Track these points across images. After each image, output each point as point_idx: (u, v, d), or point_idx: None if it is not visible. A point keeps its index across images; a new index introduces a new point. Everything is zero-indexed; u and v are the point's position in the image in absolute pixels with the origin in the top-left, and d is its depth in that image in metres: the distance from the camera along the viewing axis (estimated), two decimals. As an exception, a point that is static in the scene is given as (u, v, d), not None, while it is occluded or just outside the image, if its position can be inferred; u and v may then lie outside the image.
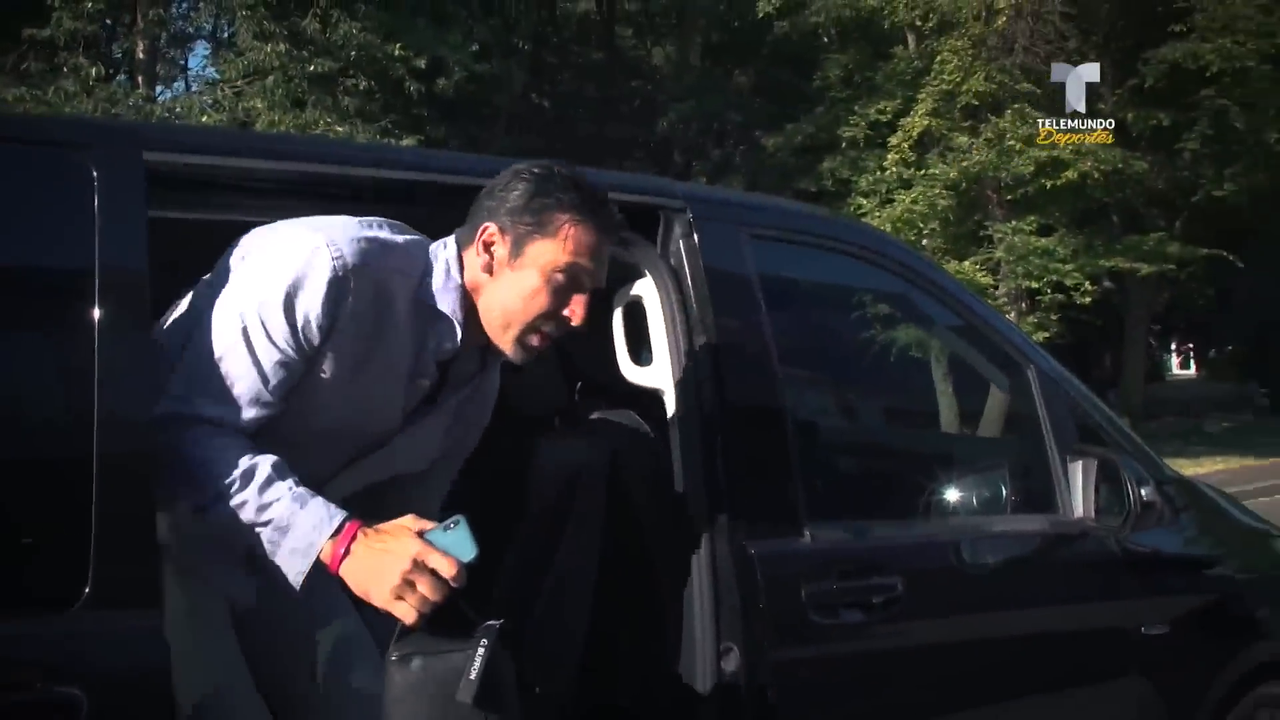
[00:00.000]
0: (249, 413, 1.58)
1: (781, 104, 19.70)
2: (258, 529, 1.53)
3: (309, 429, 1.67)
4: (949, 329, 2.77)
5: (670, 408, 2.14)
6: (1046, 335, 14.59)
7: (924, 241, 14.61)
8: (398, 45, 13.64)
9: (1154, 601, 2.63)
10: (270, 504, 1.52)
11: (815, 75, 18.33)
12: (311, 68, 13.41)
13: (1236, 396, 28.57)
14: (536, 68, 20.24)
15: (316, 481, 1.63)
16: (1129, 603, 2.59)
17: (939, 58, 14.54)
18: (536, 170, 1.72)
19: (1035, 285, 14.40)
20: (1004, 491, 2.48)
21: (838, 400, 3.10)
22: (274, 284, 1.58)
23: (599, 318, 1.99)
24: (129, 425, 1.50)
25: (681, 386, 2.11)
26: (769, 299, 2.21)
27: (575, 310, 1.69)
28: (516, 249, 1.68)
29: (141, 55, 15.49)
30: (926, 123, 14.39)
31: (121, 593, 1.48)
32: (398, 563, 1.48)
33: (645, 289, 2.18)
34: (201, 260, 1.70)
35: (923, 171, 14.45)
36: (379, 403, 1.72)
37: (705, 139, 21.70)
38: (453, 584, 1.49)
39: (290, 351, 1.59)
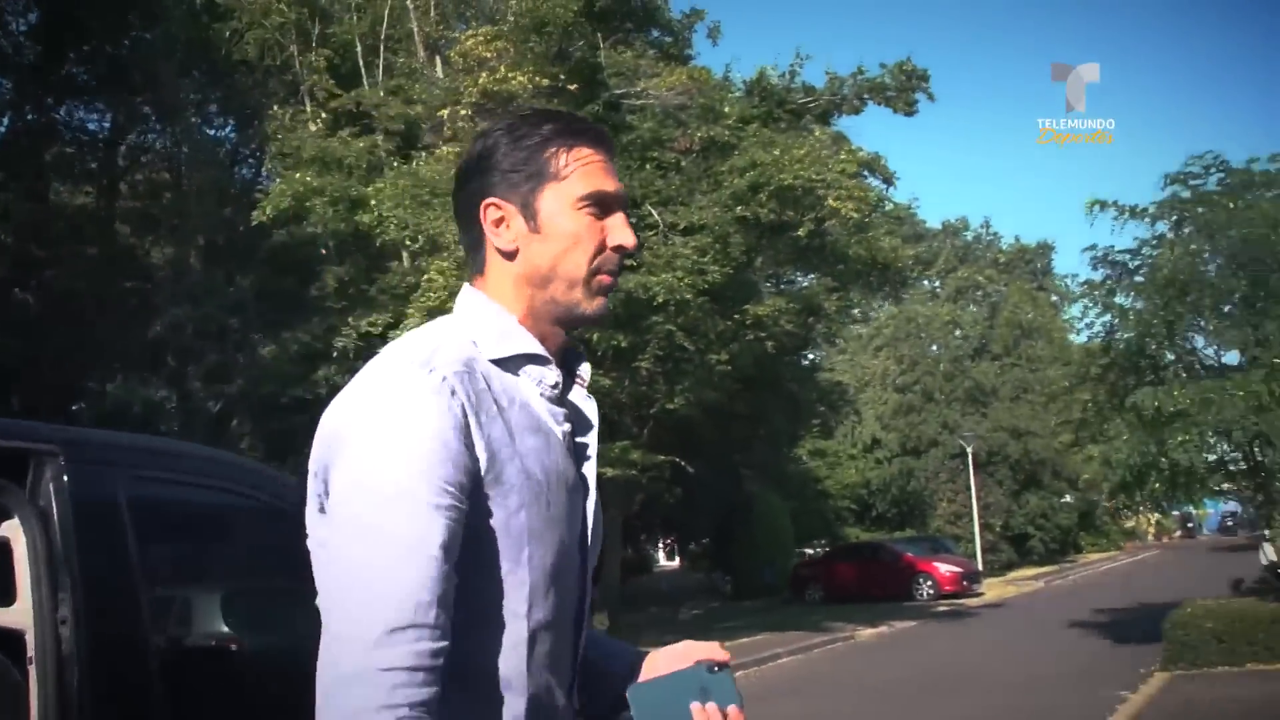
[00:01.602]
0: (442, 605, 1.26)
1: (281, 310, 19.75)
2: None
3: (553, 568, 1.42)
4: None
5: (30, 647, 2.21)
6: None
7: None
8: None
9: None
10: None
11: (314, 284, 18.67)
12: None
13: (707, 585, 31.62)
14: (22, 261, 18.79)
15: (573, 620, 1.48)
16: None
17: (427, 276, 15.37)
18: (499, 125, 1.52)
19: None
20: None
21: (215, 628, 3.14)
22: (384, 433, 1.29)
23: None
24: None
25: (41, 626, 2.19)
26: (142, 536, 2.37)
27: (622, 234, 1.48)
28: (529, 211, 1.46)
29: None
30: (415, 336, 15.04)
31: None
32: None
33: (11, 530, 2.27)
34: None
35: (413, 383, 14.99)
36: (559, 487, 1.44)
37: (204, 343, 21.15)
38: None
39: (447, 490, 1.28)
